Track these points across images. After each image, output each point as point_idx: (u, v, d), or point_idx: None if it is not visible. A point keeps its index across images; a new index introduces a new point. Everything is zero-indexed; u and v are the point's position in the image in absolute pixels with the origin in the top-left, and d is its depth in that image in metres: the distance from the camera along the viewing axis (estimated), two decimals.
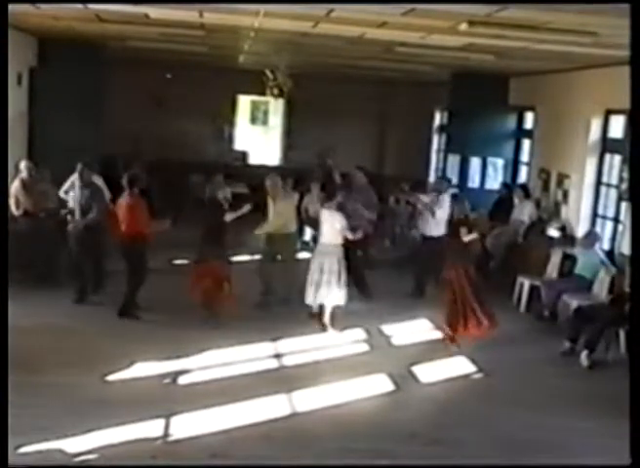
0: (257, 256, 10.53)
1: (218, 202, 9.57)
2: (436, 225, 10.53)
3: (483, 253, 11.58)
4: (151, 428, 6.09)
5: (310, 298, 9.25)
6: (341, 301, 9.25)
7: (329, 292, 9.12)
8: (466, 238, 9.15)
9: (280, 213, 10.01)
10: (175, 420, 6.27)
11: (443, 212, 10.47)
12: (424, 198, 11.16)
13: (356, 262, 10.27)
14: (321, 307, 9.32)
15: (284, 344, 8.48)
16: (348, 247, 9.45)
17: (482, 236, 10.77)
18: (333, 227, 9.17)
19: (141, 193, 9.28)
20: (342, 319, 9.30)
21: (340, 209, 9.47)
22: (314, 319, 9.35)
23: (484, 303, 8.78)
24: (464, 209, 10.01)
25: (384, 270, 12.42)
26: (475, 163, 14.97)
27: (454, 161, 15.16)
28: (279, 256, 10.13)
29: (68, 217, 9.83)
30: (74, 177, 10.02)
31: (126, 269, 9.18)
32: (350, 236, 9.19)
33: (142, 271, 9.21)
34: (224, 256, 9.51)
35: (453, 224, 9.55)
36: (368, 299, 10.45)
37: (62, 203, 10.29)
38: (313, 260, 9.31)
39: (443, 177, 12.50)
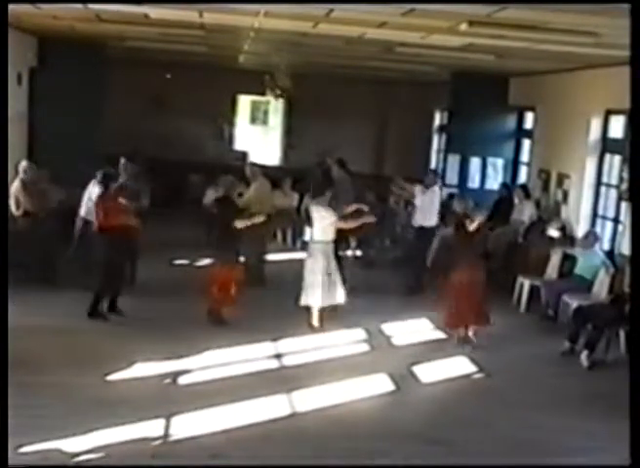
0: None
1: (231, 201, 9.43)
2: (426, 216, 11.09)
3: (483, 252, 11.54)
4: (151, 428, 6.09)
5: (316, 300, 9.00)
6: (342, 299, 9.17)
7: (333, 291, 9.02)
8: (471, 227, 8.87)
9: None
10: (175, 420, 6.26)
11: (430, 203, 11.07)
12: (412, 189, 11.50)
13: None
14: (308, 309, 9.10)
15: (284, 344, 8.47)
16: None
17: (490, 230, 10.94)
18: (323, 223, 9.04)
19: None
20: (343, 319, 9.32)
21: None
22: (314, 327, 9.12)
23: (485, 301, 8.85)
24: (467, 205, 9.92)
25: (385, 270, 12.44)
26: (475, 163, 14.96)
27: (454, 161, 15.15)
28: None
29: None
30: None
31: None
32: (345, 225, 9.34)
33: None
34: (238, 257, 9.43)
35: (455, 218, 9.50)
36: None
37: (62, 203, 10.30)
38: (310, 260, 9.09)
39: (433, 171, 12.47)
